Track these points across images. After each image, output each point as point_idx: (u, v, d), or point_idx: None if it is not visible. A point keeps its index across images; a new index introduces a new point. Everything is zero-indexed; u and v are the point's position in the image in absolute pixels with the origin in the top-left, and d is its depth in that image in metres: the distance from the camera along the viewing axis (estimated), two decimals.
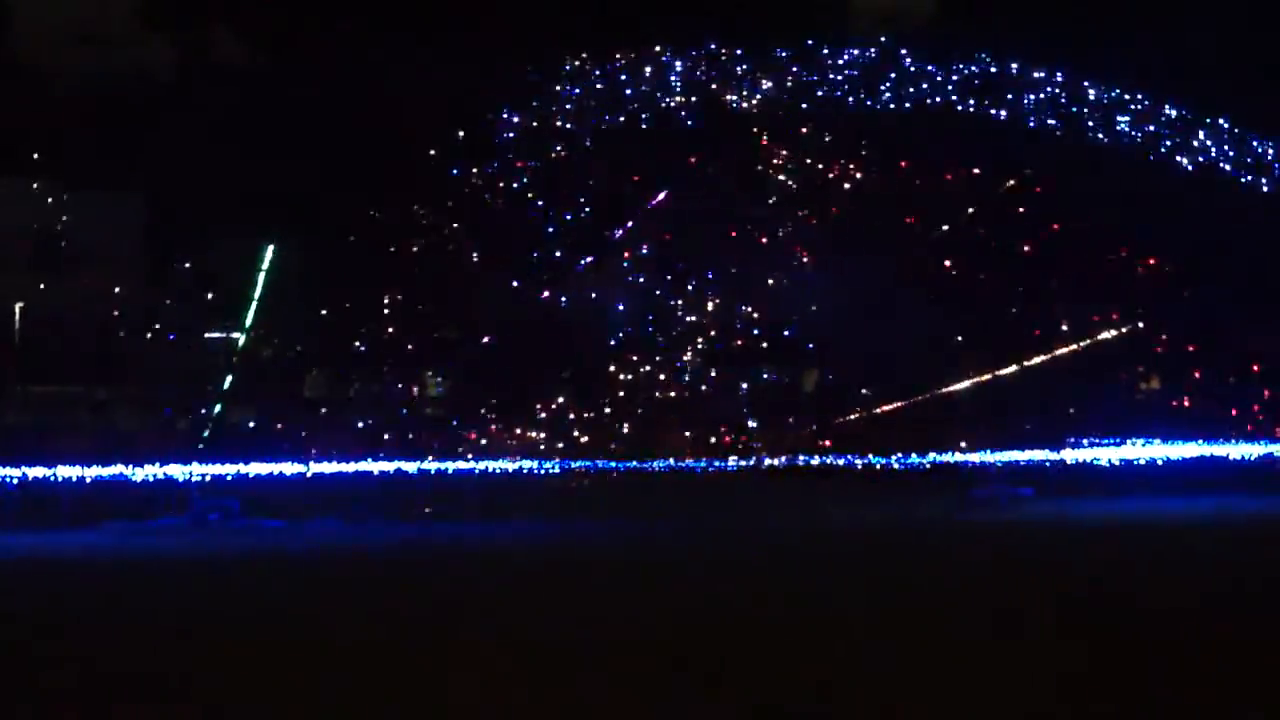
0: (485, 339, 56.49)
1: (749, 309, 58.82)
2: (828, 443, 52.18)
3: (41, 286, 53.50)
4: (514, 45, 57.56)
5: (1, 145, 53.73)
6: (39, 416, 51.03)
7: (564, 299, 57.59)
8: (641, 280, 58.57)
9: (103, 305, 53.68)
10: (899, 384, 55.74)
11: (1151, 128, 57.39)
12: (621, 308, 58.18)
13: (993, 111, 58.18)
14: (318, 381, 56.62)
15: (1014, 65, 58.12)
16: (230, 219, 53.49)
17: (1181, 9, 52.92)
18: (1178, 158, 57.29)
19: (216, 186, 53.25)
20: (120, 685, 15.15)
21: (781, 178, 59.59)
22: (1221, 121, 56.98)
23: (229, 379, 52.49)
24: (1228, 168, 57.05)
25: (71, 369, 52.34)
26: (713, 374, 57.88)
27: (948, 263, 56.49)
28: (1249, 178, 56.88)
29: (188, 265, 55.41)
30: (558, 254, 58.34)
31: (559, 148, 59.50)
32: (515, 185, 58.92)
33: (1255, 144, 56.97)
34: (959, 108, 58.59)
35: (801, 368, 58.97)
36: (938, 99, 58.72)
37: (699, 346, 58.55)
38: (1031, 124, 58.18)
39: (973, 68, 58.56)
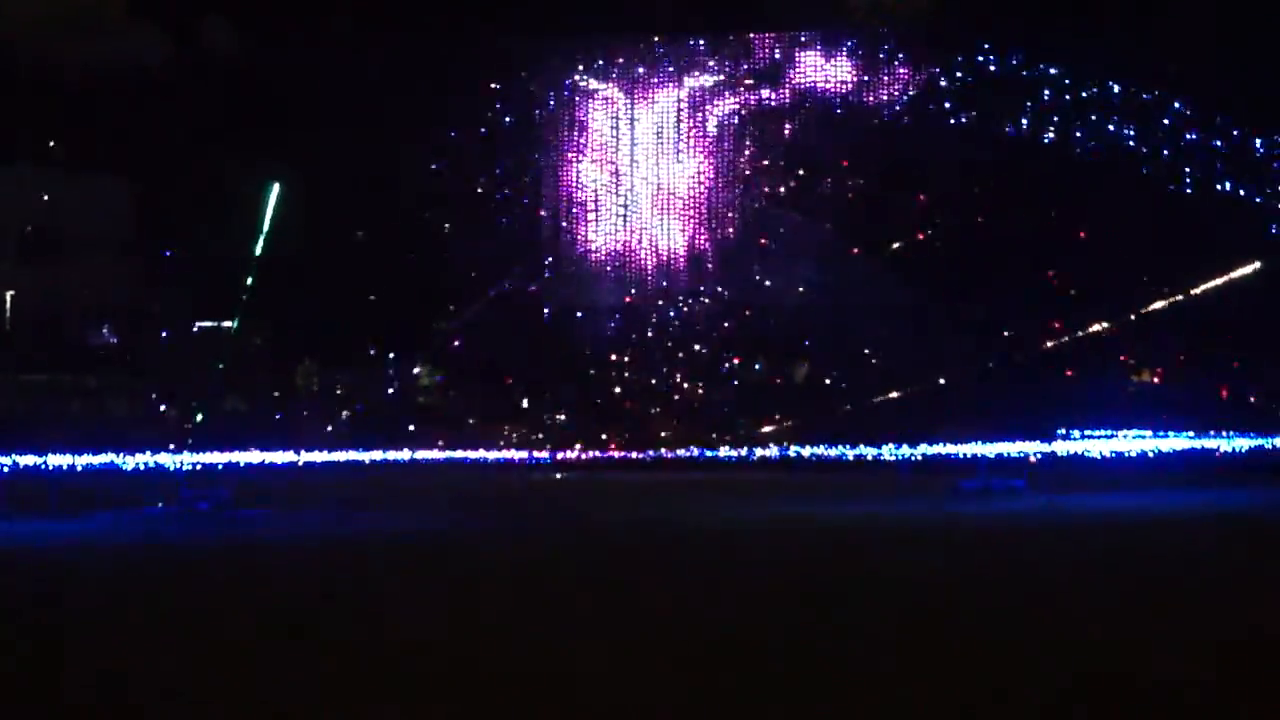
0: (463, 340, 56.51)
1: (740, 301, 58.85)
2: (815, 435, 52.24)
3: (32, 274, 53.37)
4: (511, 41, 57.66)
5: None
6: (29, 404, 50.92)
7: (549, 300, 57.66)
8: (630, 270, 58.58)
9: (93, 293, 53.55)
10: (890, 376, 55.84)
11: (1156, 134, 57.44)
12: (612, 302, 58.22)
13: (987, 109, 58.18)
14: (309, 370, 56.58)
15: (1014, 60, 58.14)
16: (222, 208, 53.42)
17: (1180, 8, 52.93)
18: (1173, 153, 57.36)
19: (208, 174, 53.18)
20: (112, 680, 15.06)
21: (771, 171, 59.60)
22: (1219, 120, 57.02)
23: (220, 367, 52.38)
24: (1222, 167, 57.13)
25: (62, 357, 52.24)
26: (691, 372, 57.97)
27: (940, 254, 56.56)
28: (1245, 177, 56.95)
29: (178, 254, 55.31)
30: (549, 259, 58.35)
31: (549, 145, 59.48)
32: (507, 187, 58.92)
33: (1253, 142, 57.03)
34: (950, 104, 58.60)
35: (792, 360, 59.03)
36: (929, 100, 58.72)
37: (690, 337, 58.59)
38: (1026, 120, 58.19)
39: (970, 63, 58.55)
